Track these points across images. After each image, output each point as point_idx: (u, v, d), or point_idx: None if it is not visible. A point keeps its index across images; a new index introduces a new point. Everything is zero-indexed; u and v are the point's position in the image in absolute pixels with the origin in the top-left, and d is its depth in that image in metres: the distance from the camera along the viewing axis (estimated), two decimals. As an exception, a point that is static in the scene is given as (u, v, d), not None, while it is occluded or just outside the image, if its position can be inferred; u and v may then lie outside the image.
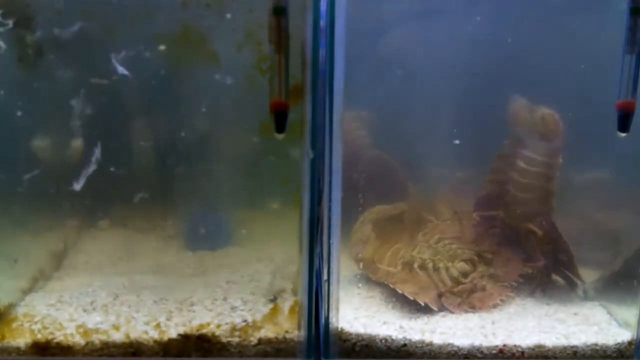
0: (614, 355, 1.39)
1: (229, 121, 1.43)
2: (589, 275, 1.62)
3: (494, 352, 1.37)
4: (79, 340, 1.36)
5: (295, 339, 1.38)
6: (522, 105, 1.60)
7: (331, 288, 1.39)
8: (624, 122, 1.31)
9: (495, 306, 1.52)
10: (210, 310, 1.46)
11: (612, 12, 1.40)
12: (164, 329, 1.38)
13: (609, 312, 1.53)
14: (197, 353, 1.37)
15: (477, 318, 1.47)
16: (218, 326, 1.39)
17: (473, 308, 1.50)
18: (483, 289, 1.54)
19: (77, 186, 1.33)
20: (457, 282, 1.54)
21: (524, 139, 1.60)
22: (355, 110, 1.64)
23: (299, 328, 1.38)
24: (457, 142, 1.58)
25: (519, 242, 1.64)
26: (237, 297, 1.50)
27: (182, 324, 1.40)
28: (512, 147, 1.62)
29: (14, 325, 1.38)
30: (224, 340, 1.37)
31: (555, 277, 1.65)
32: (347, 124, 1.61)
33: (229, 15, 1.32)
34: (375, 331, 1.39)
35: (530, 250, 1.62)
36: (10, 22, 1.22)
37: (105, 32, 1.35)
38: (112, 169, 1.42)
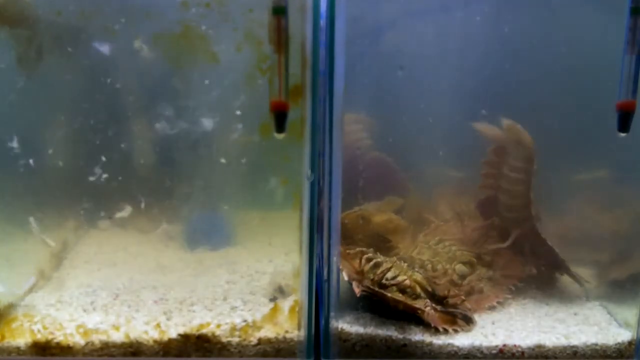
0: (614, 355, 1.39)
1: (229, 121, 1.43)
2: (589, 276, 1.62)
3: (494, 352, 1.37)
4: (79, 340, 1.36)
5: (295, 339, 1.38)
6: (482, 126, 1.59)
7: (331, 288, 1.39)
8: (624, 122, 1.31)
9: (492, 308, 1.52)
10: (210, 310, 1.46)
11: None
12: (164, 329, 1.38)
13: (609, 312, 1.53)
14: (197, 353, 1.37)
15: (477, 318, 1.47)
16: (218, 326, 1.39)
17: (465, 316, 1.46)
18: (480, 291, 1.54)
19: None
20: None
21: (505, 146, 1.60)
22: (355, 112, 1.64)
23: (299, 328, 1.38)
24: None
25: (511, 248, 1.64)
26: (237, 297, 1.51)
27: (182, 324, 1.40)
28: (496, 154, 1.62)
29: (14, 325, 1.38)
30: (224, 340, 1.37)
31: (556, 278, 1.65)
32: (348, 126, 1.62)
33: (229, 15, 1.32)
34: (375, 331, 1.39)
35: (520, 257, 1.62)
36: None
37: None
38: (111, 169, 1.42)
